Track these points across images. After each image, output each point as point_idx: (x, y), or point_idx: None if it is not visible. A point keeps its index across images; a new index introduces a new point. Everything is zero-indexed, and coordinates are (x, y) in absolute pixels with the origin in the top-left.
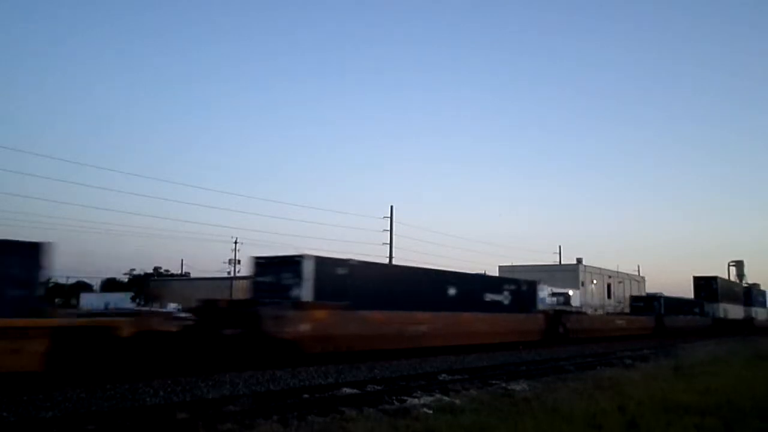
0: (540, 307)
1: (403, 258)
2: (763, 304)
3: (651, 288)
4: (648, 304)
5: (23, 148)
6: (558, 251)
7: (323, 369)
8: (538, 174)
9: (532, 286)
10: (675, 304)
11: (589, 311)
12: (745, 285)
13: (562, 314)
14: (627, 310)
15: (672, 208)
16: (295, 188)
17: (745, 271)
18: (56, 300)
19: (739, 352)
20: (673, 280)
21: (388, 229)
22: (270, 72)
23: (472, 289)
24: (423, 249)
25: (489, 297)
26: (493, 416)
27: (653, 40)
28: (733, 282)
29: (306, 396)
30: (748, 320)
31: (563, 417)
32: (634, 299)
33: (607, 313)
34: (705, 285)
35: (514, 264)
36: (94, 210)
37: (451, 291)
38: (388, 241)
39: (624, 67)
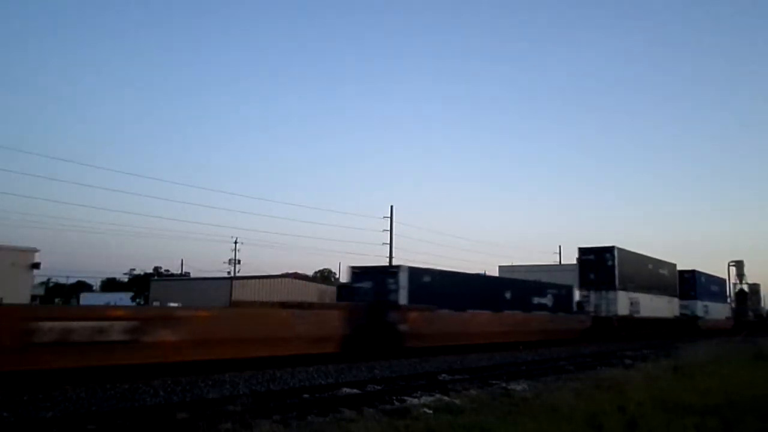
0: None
1: (403, 258)
2: (717, 297)
3: None
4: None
5: (23, 148)
6: (558, 251)
7: (323, 369)
8: (538, 174)
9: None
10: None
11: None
12: (687, 272)
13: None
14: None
15: (672, 208)
16: (296, 188)
17: (745, 271)
18: (56, 300)
19: (740, 351)
20: None
21: (388, 229)
22: (269, 72)
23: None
24: (423, 249)
25: (536, 300)
26: (493, 416)
27: (654, 38)
28: (657, 260)
29: (306, 396)
30: (686, 320)
31: (563, 417)
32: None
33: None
34: (595, 262)
35: (514, 264)
36: (94, 210)
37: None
38: (388, 241)
39: (624, 67)
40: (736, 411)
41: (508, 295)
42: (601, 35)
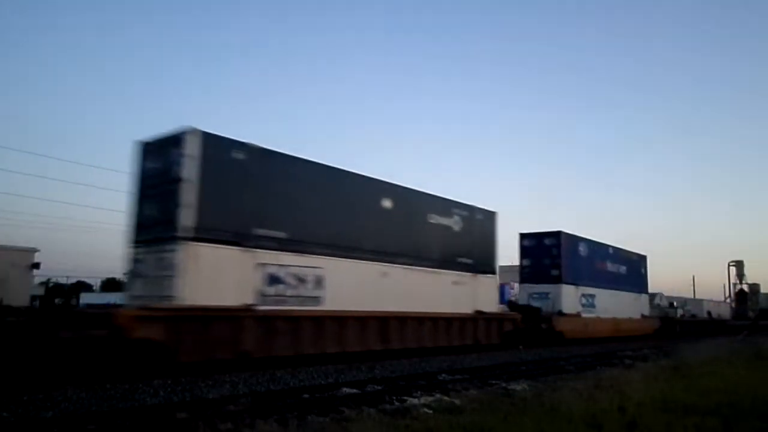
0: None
1: None
2: (621, 283)
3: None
4: None
5: (23, 147)
6: None
7: (323, 369)
8: (538, 173)
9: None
10: None
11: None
12: (542, 235)
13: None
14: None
15: (672, 208)
16: None
17: (745, 271)
18: (56, 300)
19: (740, 352)
20: (673, 280)
21: None
22: (269, 71)
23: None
24: None
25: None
26: (493, 416)
27: (655, 36)
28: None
29: (306, 396)
30: (530, 317)
31: (563, 417)
32: None
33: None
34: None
35: (514, 264)
36: (94, 210)
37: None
38: None
39: (624, 68)
40: (737, 411)
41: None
42: (601, 31)
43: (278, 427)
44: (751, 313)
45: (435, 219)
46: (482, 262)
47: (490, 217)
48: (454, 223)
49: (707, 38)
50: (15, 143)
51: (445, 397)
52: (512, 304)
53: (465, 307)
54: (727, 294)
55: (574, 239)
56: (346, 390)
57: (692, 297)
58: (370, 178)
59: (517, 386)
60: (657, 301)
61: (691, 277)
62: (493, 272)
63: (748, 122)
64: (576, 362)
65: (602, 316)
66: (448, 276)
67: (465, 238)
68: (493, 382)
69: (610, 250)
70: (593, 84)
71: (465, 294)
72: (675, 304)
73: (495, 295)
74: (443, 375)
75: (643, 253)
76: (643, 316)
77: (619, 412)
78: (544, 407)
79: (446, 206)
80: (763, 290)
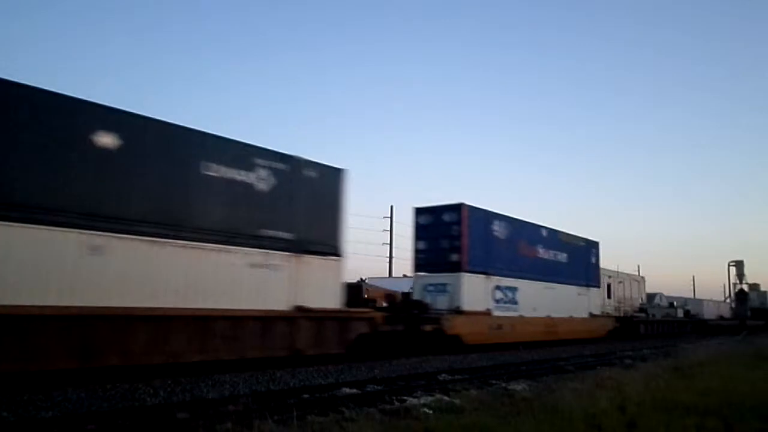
0: None
1: (403, 258)
2: (560, 273)
3: (651, 288)
4: None
5: None
6: None
7: (323, 369)
8: (538, 173)
9: None
10: None
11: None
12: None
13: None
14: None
15: (672, 207)
16: None
17: (745, 271)
18: None
19: (740, 351)
20: (673, 280)
21: (388, 229)
22: (269, 70)
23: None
24: None
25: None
26: (493, 416)
27: (656, 34)
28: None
29: (306, 396)
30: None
31: (563, 417)
32: None
33: None
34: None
35: None
36: None
37: None
38: (388, 241)
39: (623, 68)
40: (737, 411)
41: None
42: (601, 28)
43: (278, 427)
44: (749, 313)
45: (217, 171)
46: (315, 238)
47: (331, 176)
48: (259, 179)
49: (707, 39)
50: None
51: (445, 397)
52: (399, 301)
53: (276, 302)
54: (727, 294)
55: (486, 216)
56: (346, 390)
57: (692, 297)
58: (68, 97)
59: (517, 386)
60: (657, 301)
61: (691, 277)
62: (336, 254)
63: (748, 122)
64: (576, 362)
65: (528, 314)
66: (242, 255)
67: (280, 203)
68: (493, 382)
69: (544, 233)
70: (593, 84)
71: (277, 283)
72: (675, 304)
73: (337, 287)
74: (443, 375)
75: (593, 239)
76: (591, 315)
77: (619, 412)
78: (544, 407)
79: (243, 154)
80: (763, 291)
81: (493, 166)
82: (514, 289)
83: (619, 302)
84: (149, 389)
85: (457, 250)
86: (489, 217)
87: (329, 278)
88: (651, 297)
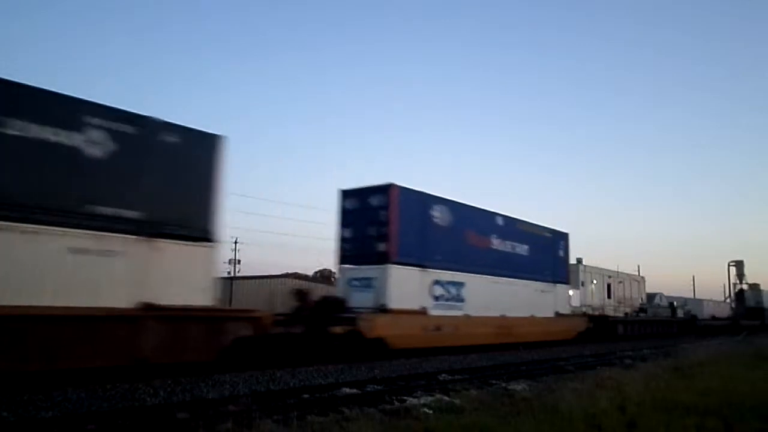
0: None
1: None
2: (519, 267)
3: (651, 288)
4: None
5: None
6: None
7: (323, 369)
8: (538, 173)
9: None
10: None
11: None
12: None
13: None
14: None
15: (672, 207)
16: (296, 188)
17: (745, 271)
18: None
19: (740, 352)
20: (673, 280)
21: None
22: (269, 70)
23: None
24: None
25: None
26: (493, 416)
27: (656, 34)
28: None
29: (306, 396)
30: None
31: (563, 417)
32: None
33: None
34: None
35: None
36: None
37: None
38: None
39: (623, 68)
40: (737, 411)
41: None
42: (600, 27)
43: (278, 427)
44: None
45: (21, 129)
46: (174, 219)
47: (200, 142)
48: (89, 142)
49: (707, 39)
50: None
51: (445, 397)
52: (311, 300)
53: (112, 298)
54: (727, 294)
55: (423, 199)
56: (346, 390)
57: (692, 297)
58: None
59: (517, 386)
60: (657, 301)
61: (692, 277)
62: (206, 238)
63: (749, 122)
64: (576, 362)
65: (477, 314)
66: (59, 237)
67: (123, 173)
68: (493, 382)
69: (499, 221)
70: (593, 84)
71: (115, 273)
72: (675, 304)
73: (208, 279)
74: (443, 375)
75: (563, 230)
76: (558, 314)
77: (619, 412)
78: (545, 407)
79: (66, 111)
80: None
81: (494, 166)
82: (459, 285)
83: (619, 302)
84: (149, 389)
85: (385, 238)
86: (426, 200)
87: (195, 269)
88: (651, 297)
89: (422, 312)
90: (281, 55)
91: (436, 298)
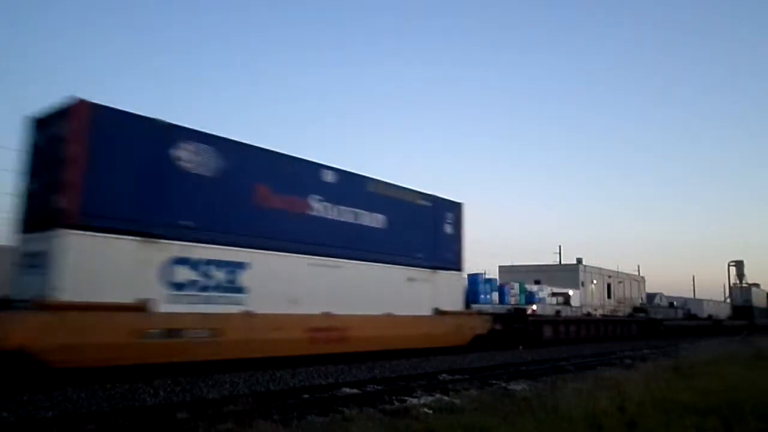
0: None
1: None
2: (336, 245)
3: (651, 288)
4: None
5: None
6: (558, 251)
7: (323, 369)
8: (538, 173)
9: None
10: None
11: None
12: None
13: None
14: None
15: (672, 207)
16: None
17: (745, 271)
18: None
19: (740, 352)
20: (673, 280)
21: None
22: (269, 70)
23: None
24: None
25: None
26: (493, 416)
27: (656, 34)
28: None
29: (306, 396)
30: None
31: (563, 417)
32: None
33: None
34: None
35: (514, 264)
36: None
37: None
38: None
39: (623, 68)
40: (737, 411)
41: None
42: (599, 27)
43: (278, 427)
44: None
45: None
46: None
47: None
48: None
49: (707, 39)
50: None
51: (445, 397)
52: None
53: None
54: (727, 294)
55: (154, 130)
56: (346, 390)
57: (692, 297)
58: None
59: (518, 386)
60: (657, 300)
61: (692, 277)
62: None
63: (749, 122)
64: (576, 362)
65: (269, 310)
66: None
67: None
68: (494, 382)
69: (327, 176)
70: (593, 84)
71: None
72: (675, 303)
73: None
74: (443, 375)
75: (454, 199)
76: (440, 311)
77: (619, 412)
78: (545, 407)
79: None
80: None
81: (494, 166)
82: (234, 267)
83: (619, 302)
84: (149, 389)
85: (60, 187)
86: (166, 134)
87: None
88: (651, 297)
89: (139, 307)
90: (281, 55)
91: (179, 286)
